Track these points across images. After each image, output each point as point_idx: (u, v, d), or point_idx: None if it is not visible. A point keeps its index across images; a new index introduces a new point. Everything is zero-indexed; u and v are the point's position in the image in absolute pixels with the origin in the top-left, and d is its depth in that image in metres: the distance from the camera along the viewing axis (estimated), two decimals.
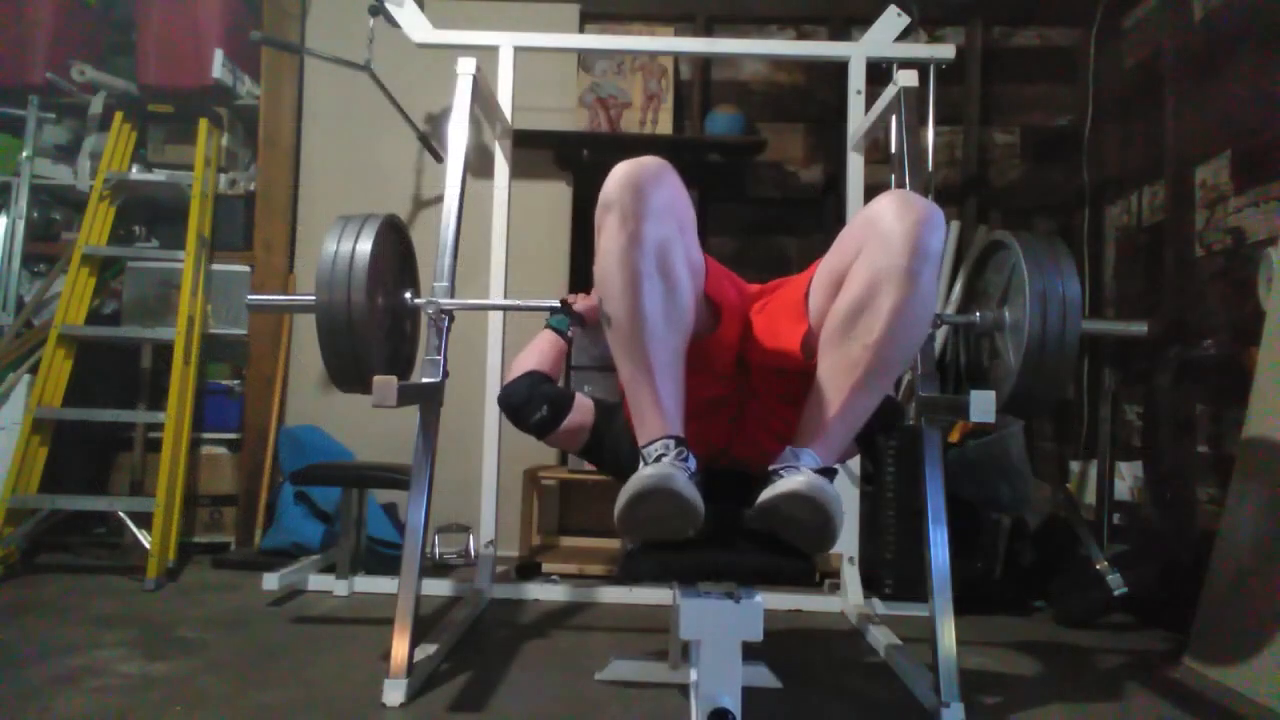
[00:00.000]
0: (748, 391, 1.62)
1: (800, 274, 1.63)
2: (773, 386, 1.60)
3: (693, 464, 1.36)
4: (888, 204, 1.40)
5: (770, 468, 1.39)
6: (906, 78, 2.24)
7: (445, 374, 1.97)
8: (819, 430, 1.41)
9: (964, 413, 1.68)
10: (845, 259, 1.43)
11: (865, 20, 2.87)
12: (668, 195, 1.37)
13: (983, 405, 1.66)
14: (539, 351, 1.89)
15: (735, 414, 1.61)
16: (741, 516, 1.42)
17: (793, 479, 1.31)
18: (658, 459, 1.35)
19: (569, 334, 1.97)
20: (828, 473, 1.40)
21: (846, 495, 2.69)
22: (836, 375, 1.40)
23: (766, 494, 1.33)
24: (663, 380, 1.38)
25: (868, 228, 1.41)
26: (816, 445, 1.40)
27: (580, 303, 2.03)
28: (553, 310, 2.01)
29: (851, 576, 2.62)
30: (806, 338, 1.52)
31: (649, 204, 1.33)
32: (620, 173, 1.36)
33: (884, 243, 1.36)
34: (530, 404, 1.74)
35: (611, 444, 1.76)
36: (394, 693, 1.70)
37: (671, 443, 1.36)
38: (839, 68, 2.84)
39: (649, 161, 1.37)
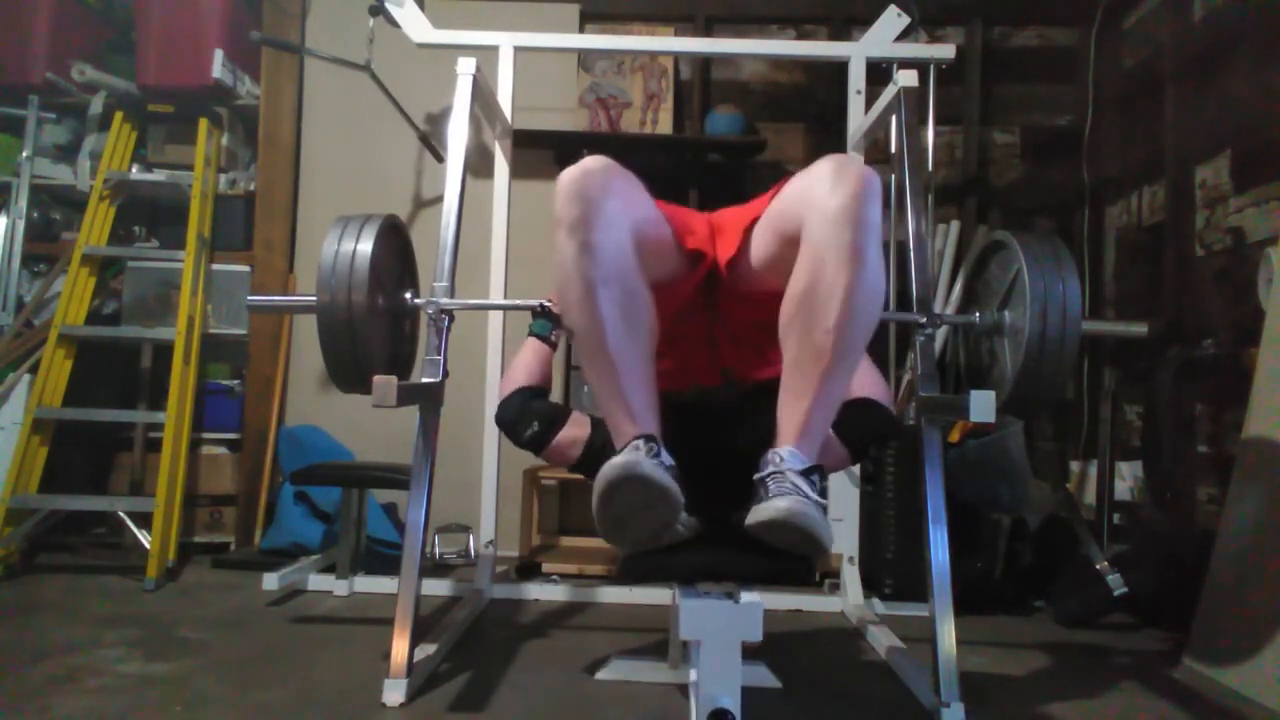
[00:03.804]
0: (717, 318, 1.70)
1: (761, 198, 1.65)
2: (737, 309, 1.68)
3: (666, 458, 1.36)
4: (824, 175, 1.39)
5: (755, 476, 1.39)
6: (906, 78, 2.24)
7: (445, 374, 1.97)
8: (798, 425, 1.41)
9: (964, 413, 1.68)
10: (787, 221, 1.44)
11: (865, 20, 2.87)
12: (615, 199, 1.36)
13: (983, 405, 1.66)
14: (525, 365, 1.88)
15: (710, 346, 1.70)
16: (740, 517, 1.42)
17: (775, 504, 1.31)
18: None
19: (553, 338, 1.97)
20: (814, 471, 1.39)
21: (847, 495, 2.69)
22: (804, 365, 1.40)
23: (751, 518, 1.33)
24: (629, 384, 1.39)
25: (806, 203, 1.40)
26: (799, 441, 1.40)
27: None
28: (534, 314, 2.00)
29: (851, 576, 2.61)
30: (751, 225, 1.58)
31: (596, 212, 1.33)
32: (563, 184, 1.36)
33: (824, 221, 1.35)
34: (522, 421, 1.74)
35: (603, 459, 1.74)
36: (394, 693, 1.71)
37: (641, 442, 1.36)
38: (839, 68, 2.84)
39: (591, 167, 1.36)
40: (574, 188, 1.35)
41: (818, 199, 1.37)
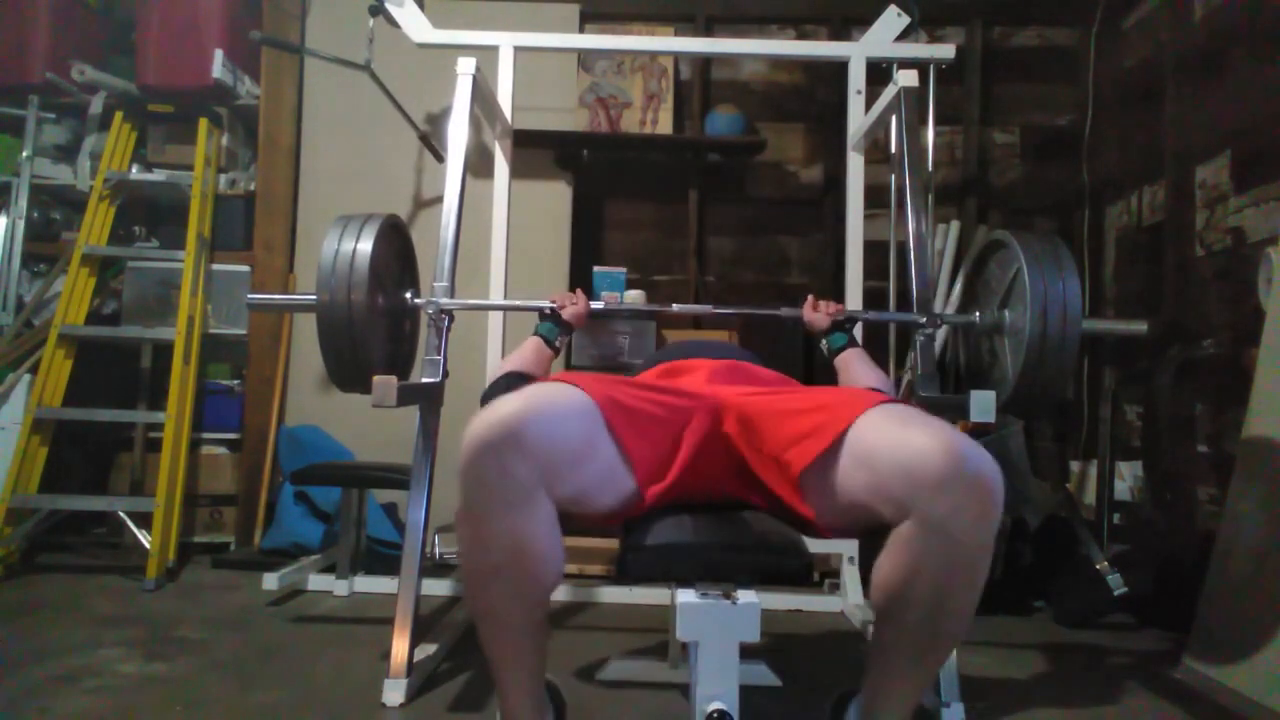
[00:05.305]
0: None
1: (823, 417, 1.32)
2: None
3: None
4: (943, 479, 1.09)
5: None
6: (906, 78, 2.24)
7: (445, 374, 1.97)
8: None
9: (964, 413, 1.68)
10: (880, 486, 1.18)
11: (865, 20, 2.87)
12: (524, 467, 1.10)
13: (983, 405, 1.66)
14: (521, 357, 1.88)
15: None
16: (739, 517, 1.42)
17: None
18: None
19: (556, 344, 1.96)
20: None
21: None
22: (905, 665, 1.25)
23: None
24: (513, 672, 1.26)
25: (918, 499, 1.11)
26: None
27: (568, 309, 2.02)
28: (542, 315, 2.00)
29: (851, 576, 2.61)
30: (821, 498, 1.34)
31: (499, 489, 1.09)
32: (464, 450, 1.09)
33: (946, 538, 1.11)
34: None
35: None
36: (394, 693, 1.71)
37: None
38: (839, 68, 2.84)
39: (490, 437, 1.08)
40: (470, 458, 1.09)
41: (936, 508, 1.10)
